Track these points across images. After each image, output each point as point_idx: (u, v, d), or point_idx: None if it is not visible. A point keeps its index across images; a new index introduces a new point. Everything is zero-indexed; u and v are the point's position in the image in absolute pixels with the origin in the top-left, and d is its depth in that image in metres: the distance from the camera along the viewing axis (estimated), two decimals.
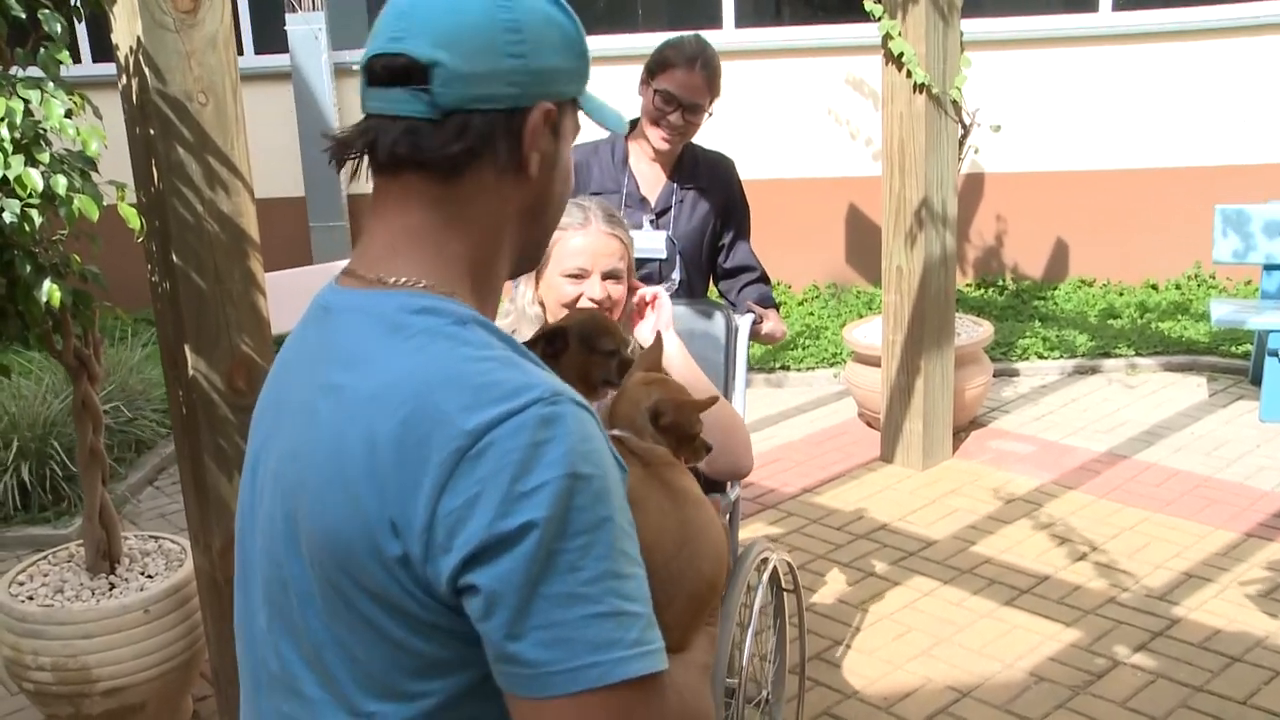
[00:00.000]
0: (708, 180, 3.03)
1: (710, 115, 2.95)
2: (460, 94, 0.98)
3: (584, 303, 2.09)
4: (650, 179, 3.00)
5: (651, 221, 2.97)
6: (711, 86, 2.90)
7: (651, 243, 2.87)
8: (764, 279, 3.11)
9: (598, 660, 0.88)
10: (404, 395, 0.93)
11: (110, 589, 2.87)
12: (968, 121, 4.55)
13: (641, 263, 2.79)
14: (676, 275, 2.97)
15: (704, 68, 2.86)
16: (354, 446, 0.93)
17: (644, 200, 2.97)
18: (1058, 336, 5.76)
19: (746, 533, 3.94)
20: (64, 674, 2.74)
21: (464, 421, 0.90)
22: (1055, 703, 2.97)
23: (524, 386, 0.92)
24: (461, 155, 0.99)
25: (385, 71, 1.00)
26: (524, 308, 2.19)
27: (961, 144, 4.49)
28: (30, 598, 2.82)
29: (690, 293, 3.02)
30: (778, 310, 3.01)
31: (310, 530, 0.97)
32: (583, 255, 2.09)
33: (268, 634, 1.05)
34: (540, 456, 0.89)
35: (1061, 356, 5.59)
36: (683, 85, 2.84)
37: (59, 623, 2.73)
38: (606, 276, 2.12)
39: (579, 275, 2.11)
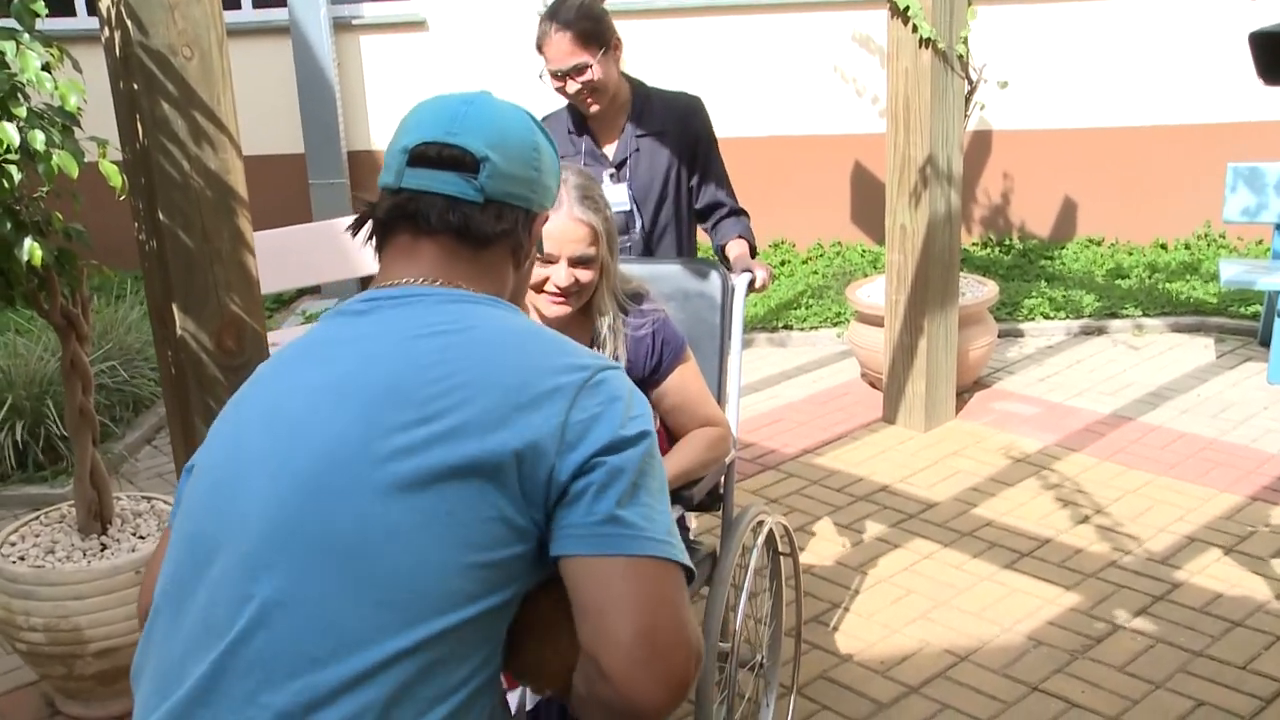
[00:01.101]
0: (662, 123, 2.97)
1: (615, 59, 2.87)
2: (499, 188, 1.25)
3: (548, 288, 2.10)
4: (608, 131, 2.98)
5: (611, 175, 2.93)
6: (586, 40, 2.80)
7: (614, 196, 2.84)
8: (737, 212, 3.06)
9: (672, 541, 1.14)
10: (524, 341, 1.18)
11: (102, 550, 2.86)
12: (974, 77, 4.46)
13: None
14: (636, 229, 2.93)
15: (566, 27, 2.78)
16: (488, 373, 1.13)
17: (602, 155, 2.96)
18: (1064, 296, 5.70)
19: (747, 494, 3.92)
20: (56, 634, 2.73)
21: (580, 364, 1.17)
22: (1054, 667, 2.95)
23: (597, 355, 1.22)
24: (498, 234, 1.25)
25: (438, 158, 1.23)
26: None
27: (968, 100, 4.41)
28: (21, 558, 2.81)
29: (678, 243, 2.99)
30: (755, 255, 2.96)
31: (430, 444, 1.10)
32: (549, 240, 2.06)
33: (259, 575, 1.09)
34: (638, 398, 1.20)
35: (1067, 317, 5.54)
36: (555, 56, 2.81)
37: (50, 584, 2.71)
38: (575, 263, 2.09)
39: (546, 260, 2.09)
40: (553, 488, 1.11)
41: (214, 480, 1.18)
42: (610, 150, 2.96)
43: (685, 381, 2.24)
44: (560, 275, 2.09)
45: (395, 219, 1.25)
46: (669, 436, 2.28)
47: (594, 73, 2.82)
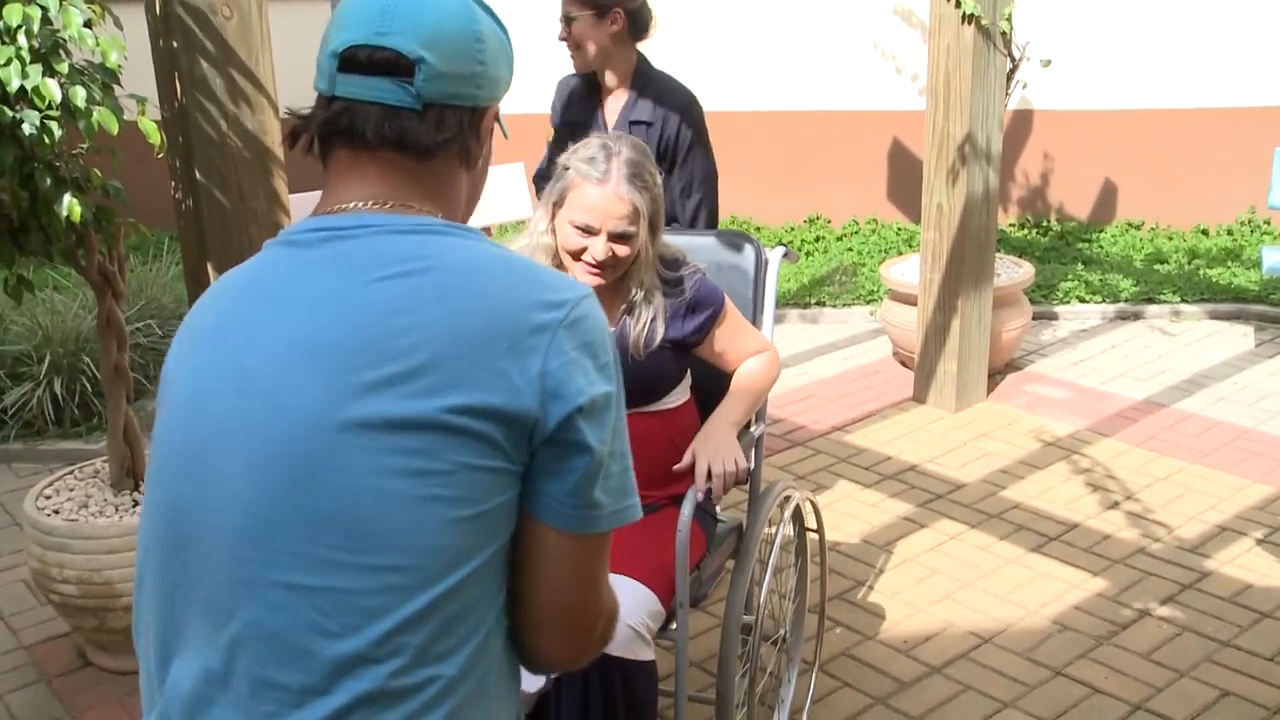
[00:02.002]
0: (652, 112, 3.04)
1: (609, 31, 2.99)
2: (439, 90, 1.14)
3: (585, 259, 2.12)
4: (614, 106, 3.08)
5: None
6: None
7: None
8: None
9: (632, 503, 1.15)
10: (494, 276, 1.11)
11: (134, 506, 2.89)
12: (1017, 55, 4.40)
13: None
14: None
15: None
16: (459, 317, 1.08)
17: (606, 128, 3.04)
18: (1101, 280, 5.64)
19: (775, 469, 3.92)
20: (88, 588, 2.77)
21: (554, 299, 1.11)
22: (1078, 652, 2.93)
23: (571, 281, 1.16)
24: (440, 143, 1.15)
25: (369, 62, 1.13)
26: (537, 236, 2.19)
27: (1009, 78, 4.36)
28: (56, 512, 2.85)
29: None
30: None
31: (410, 392, 1.06)
32: (592, 213, 2.08)
33: (267, 532, 1.07)
34: (607, 336, 1.15)
35: (1104, 301, 5.48)
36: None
37: (84, 537, 2.76)
38: (614, 238, 2.10)
39: (586, 230, 2.10)
40: (536, 437, 1.09)
41: (184, 445, 1.12)
42: (611, 123, 3.06)
43: (728, 331, 2.31)
44: (598, 248, 2.10)
45: (330, 133, 1.16)
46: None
47: (576, 28, 2.98)
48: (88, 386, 4.28)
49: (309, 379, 1.07)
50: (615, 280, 2.19)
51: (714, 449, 2.16)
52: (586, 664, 1.20)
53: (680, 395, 2.34)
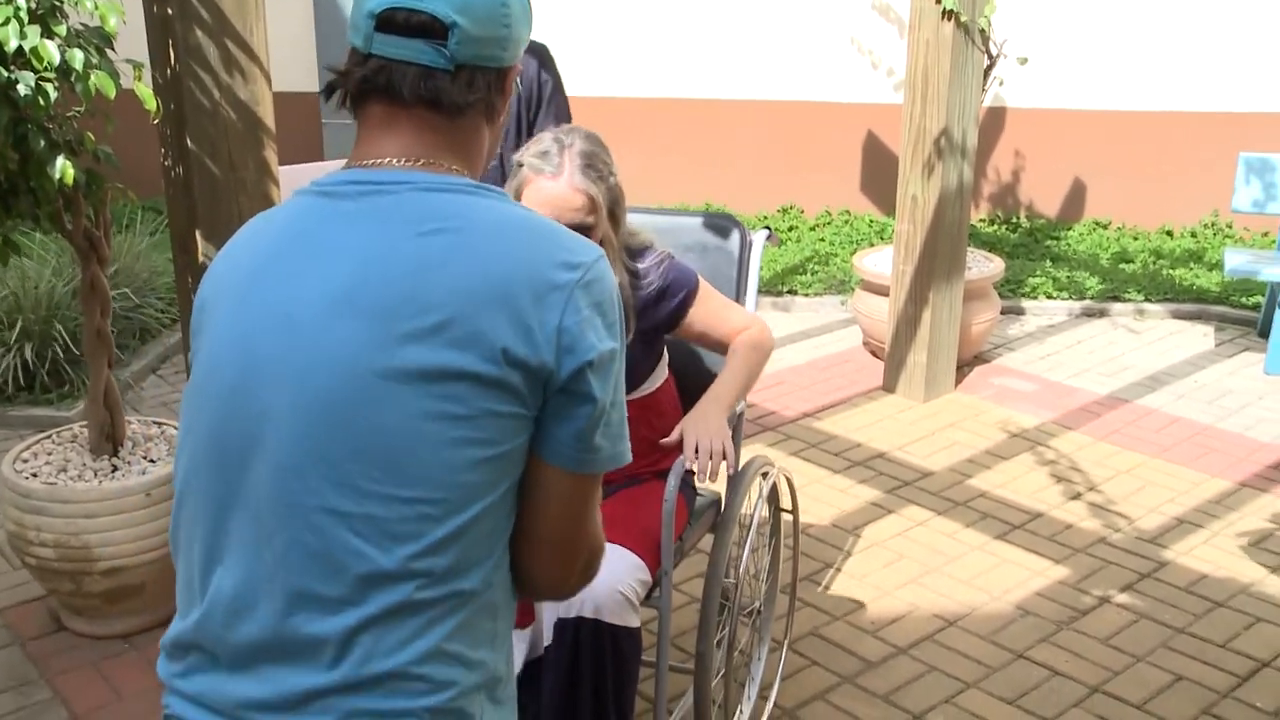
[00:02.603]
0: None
1: None
2: (470, 52, 1.22)
3: None
4: None
5: None
6: None
7: None
8: None
9: (625, 447, 1.26)
10: (520, 236, 1.20)
11: (113, 471, 2.90)
12: (994, 52, 4.48)
13: None
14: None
15: None
16: (489, 274, 1.17)
17: None
18: (1068, 277, 5.74)
19: (747, 454, 3.97)
20: (65, 551, 2.78)
21: (574, 260, 1.20)
22: (1039, 636, 3.02)
23: (587, 243, 1.24)
24: (471, 102, 1.24)
25: (405, 24, 1.20)
26: None
27: (986, 75, 4.43)
28: (34, 474, 2.86)
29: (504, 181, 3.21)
30: None
31: (436, 339, 1.15)
32: (547, 207, 2.08)
33: (304, 469, 1.17)
34: (617, 295, 1.24)
35: (1070, 298, 5.58)
36: None
37: (62, 500, 2.77)
38: (573, 230, 2.10)
39: None
40: (550, 386, 1.19)
41: (233, 380, 1.20)
42: None
43: (706, 310, 2.31)
44: None
45: (368, 90, 1.24)
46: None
47: None
48: (59, 353, 4.27)
49: (351, 327, 1.16)
50: None
51: (702, 429, 2.16)
52: (571, 593, 1.32)
53: (657, 378, 2.38)
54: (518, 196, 2.12)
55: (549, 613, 2.07)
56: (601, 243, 2.16)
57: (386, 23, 1.21)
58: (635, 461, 2.27)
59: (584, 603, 2.03)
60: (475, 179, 1.28)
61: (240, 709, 1.20)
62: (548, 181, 2.09)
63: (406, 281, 1.16)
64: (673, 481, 2.16)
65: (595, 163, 2.12)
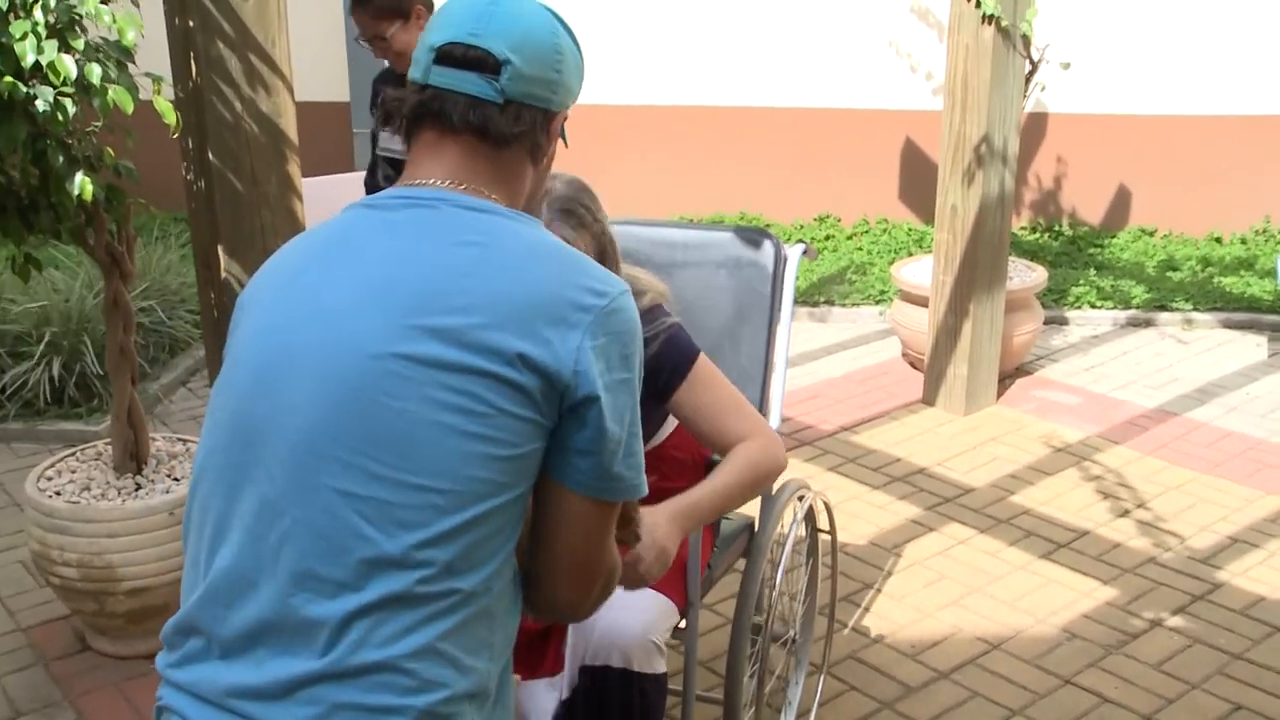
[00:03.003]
0: None
1: (419, 26, 3.23)
2: (520, 89, 1.32)
3: None
4: None
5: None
6: (381, 14, 3.20)
7: (396, 144, 3.05)
8: None
9: (639, 479, 1.31)
10: (549, 260, 1.27)
11: (136, 489, 2.88)
12: (1036, 57, 4.39)
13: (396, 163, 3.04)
14: None
15: (364, 5, 3.20)
16: (516, 289, 1.24)
17: None
18: (1112, 286, 5.62)
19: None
20: (89, 571, 2.76)
21: (600, 289, 1.27)
22: (1087, 660, 2.93)
23: (613, 276, 1.31)
24: (516, 135, 1.33)
25: (462, 59, 1.31)
26: None
27: (1028, 81, 4.34)
28: (58, 493, 2.84)
29: None
30: None
31: (462, 337, 1.21)
32: None
33: (323, 452, 1.21)
34: (638, 329, 1.30)
35: (1115, 307, 5.46)
36: (359, 27, 3.26)
37: (85, 520, 2.75)
38: None
39: None
40: (565, 401, 1.24)
41: (261, 364, 1.27)
42: None
43: (697, 398, 2.02)
44: None
45: (421, 115, 1.33)
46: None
47: (397, 40, 3.22)
48: (88, 367, 4.26)
49: (378, 317, 1.23)
50: None
51: (653, 547, 1.77)
52: (588, 614, 1.37)
53: (663, 432, 2.23)
54: None
55: (575, 659, 2.00)
56: None
57: (445, 56, 1.32)
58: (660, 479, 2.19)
59: (613, 652, 1.97)
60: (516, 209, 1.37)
61: (229, 696, 1.22)
62: None
63: (437, 282, 1.23)
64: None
65: (574, 208, 1.96)
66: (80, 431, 4.13)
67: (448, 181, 1.32)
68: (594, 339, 1.24)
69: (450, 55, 1.31)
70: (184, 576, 1.32)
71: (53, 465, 2.97)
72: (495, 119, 1.31)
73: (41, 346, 4.22)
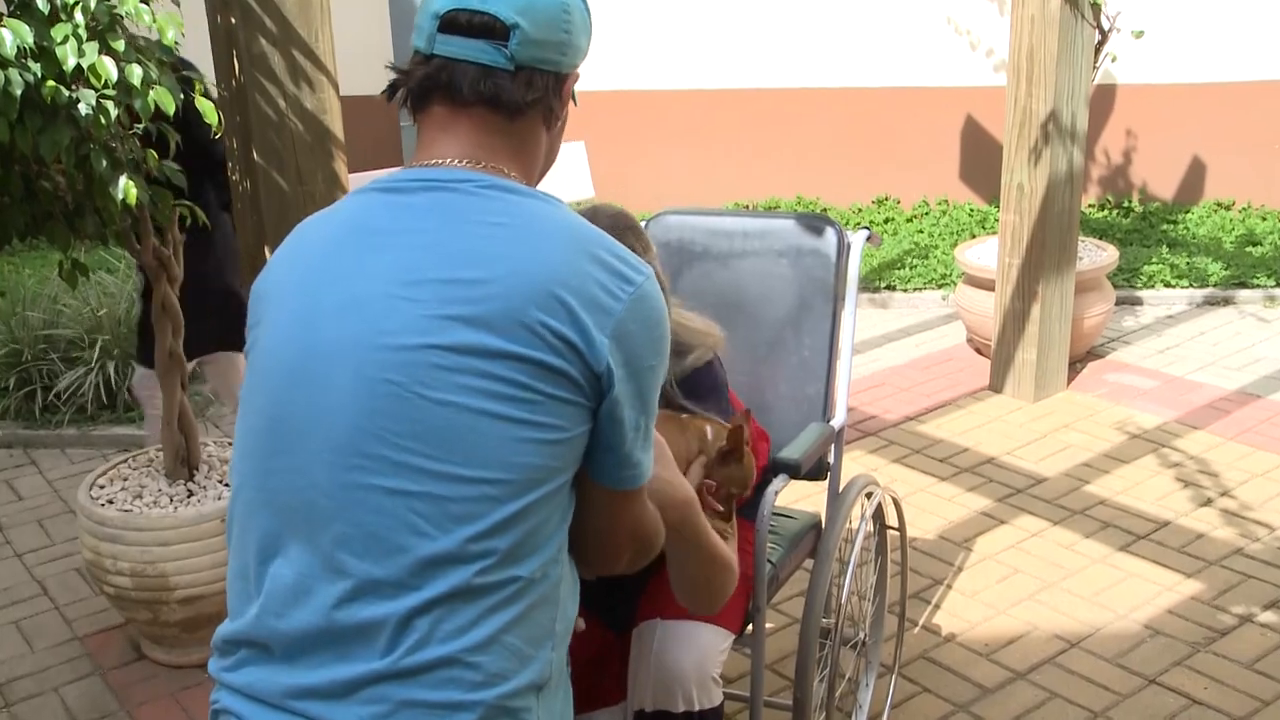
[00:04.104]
0: None
1: None
2: (530, 54, 1.28)
3: None
4: None
5: None
6: None
7: None
8: None
9: (650, 460, 1.33)
10: (575, 243, 1.24)
11: (189, 496, 2.89)
12: (1106, 26, 4.27)
13: None
14: None
15: None
16: (546, 272, 1.21)
17: None
18: (1188, 264, 5.48)
19: (846, 462, 3.83)
20: (142, 580, 2.77)
21: (629, 275, 1.25)
22: (1173, 659, 2.83)
23: (638, 261, 1.29)
24: (530, 103, 1.29)
25: (468, 25, 1.27)
26: None
27: (1097, 52, 4.22)
28: (110, 501, 2.85)
29: None
30: None
31: (501, 323, 1.19)
32: None
33: (364, 447, 1.20)
34: (665, 315, 1.29)
35: (1191, 285, 5.33)
36: None
37: (137, 529, 2.75)
38: None
39: None
40: (604, 384, 1.23)
41: (293, 357, 1.24)
42: None
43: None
44: None
45: (429, 89, 1.29)
46: None
47: None
48: None
49: (410, 308, 1.20)
50: None
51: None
52: (625, 573, 1.40)
53: None
54: None
55: (636, 689, 1.96)
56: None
57: (450, 23, 1.27)
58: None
59: (673, 695, 1.92)
60: (532, 184, 1.35)
61: (288, 697, 1.21)
62: None
63: (466, 270, 1.21)
64: (766, 510, 2.04)
65: (622, 229, 1.84)
66: (134, 436, 4.17)
67: (464, 160, 1.29)
68: (624, 325, 1.23)
69: (455, 22, 1.27)
70: (230, 584, 1.30)
71: (105, 473, 2.98)
72: (507, 88, 1.28)
73: (95, 351, 4.26)
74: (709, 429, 1.85)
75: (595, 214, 1.88)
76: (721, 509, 1.81)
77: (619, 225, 1.86)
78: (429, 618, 1.17)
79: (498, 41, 1.26)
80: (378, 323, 1.21)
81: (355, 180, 2.86)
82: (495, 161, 1.29)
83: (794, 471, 2.11)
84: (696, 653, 1.92)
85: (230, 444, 3.16)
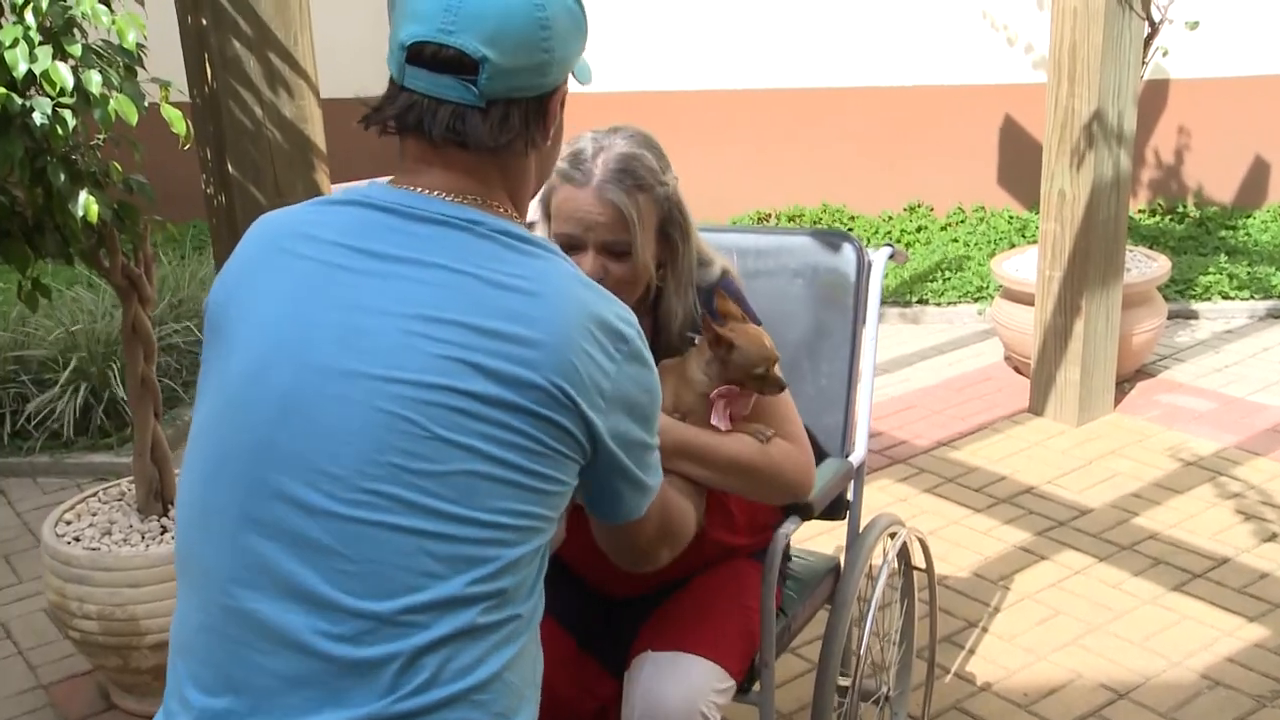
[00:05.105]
0: None
1: None
2: (502, 86, 1.28)
3: None
4: None
5: None
6: None
7: None
8: None
9: (658, 477, 1.44)
10: (572, 300, 1.30)
11: (162, 533, 2.86)
12: (1157, 18, 4.21)
13: None
14: None
15: None
16: (553, 331, 1.27)
17: None
18: (1249, 273, 5.42)
19: (871, 490, 3.79)
20: (110, 624, 2.73)
21: (623, 332, 1.33)
22: (1235, 713, 2.77)
23: (630, 313, 1.37)
24: (503, 143, 1.31)
25: (434, 59, 1.27)
26: None
27: (1147, 45, 4.17)
28: (76, 539, 2.83)
29: None
30: None
31: (488, 371, 1.25)
32: (571, 221, 1.85)
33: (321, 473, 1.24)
34: (651, 365, 1.39)
35: (1252, 297, 5.27)
36: None
37: (105, 568, 2.72)
38: (603, 251, 1.85)
39: (570, 243, 1.85)
40: (595, 436, 1.31)
41: (285, 390, 1.26)
42: None
43: None
44: (586, 265, 1.84)
45: (402, 127, 1.32)
46: None
47: None
48: (118, 393, 4.27)
49: (432, 346, 1.24)
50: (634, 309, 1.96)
51: None
52: (650, 569, 1.56)
53: None
54: (546, 204, 1.94)
55: None
56: (655, 276, 1.93)
57: (416, 56, 1.28)
58: (701, 547, 2.03)
59: None
60: (523, 212, 1.40)
61: None
62: (573, 190, 1.86)
63: (494, 320, 1.25)
64: (775, 558, 1.98)
65: (635, 169, 1.87)
66: (110, 464, 4.14)
67: (452, 194, 1.31)
68: (622, 383, 1.32)
69: (421, 55, 1.28)
70: (187, 616, 1.31)
71: (72, 507, 2.96)
72: (478, 128, 1.29)
73: (68, 373, 4.24)
74: (693, 354, 1.88)
75: (613, 135, 1.90)
76: (747, 409, 1.88)
77: (636, 143, 1.90)
78: (438, 656, 1.22)
79: (465, 77, 1.27)
80: (392, 357, 1.24)
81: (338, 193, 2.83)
82: (483, 194, 1.33)
83: (807, 513, 2.06)
84: (685, 687, 1.87)
85: None
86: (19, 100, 2.16)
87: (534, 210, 2.00)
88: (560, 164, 1.88)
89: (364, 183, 1.39)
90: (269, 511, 1.25)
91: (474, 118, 1.28)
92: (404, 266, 1.27)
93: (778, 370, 1.85)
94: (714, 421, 1.85)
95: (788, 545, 2.19)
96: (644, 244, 1.87)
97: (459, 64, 1.26)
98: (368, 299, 1.26)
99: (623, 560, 1.52)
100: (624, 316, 1.34)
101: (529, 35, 1.28)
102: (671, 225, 1.93)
